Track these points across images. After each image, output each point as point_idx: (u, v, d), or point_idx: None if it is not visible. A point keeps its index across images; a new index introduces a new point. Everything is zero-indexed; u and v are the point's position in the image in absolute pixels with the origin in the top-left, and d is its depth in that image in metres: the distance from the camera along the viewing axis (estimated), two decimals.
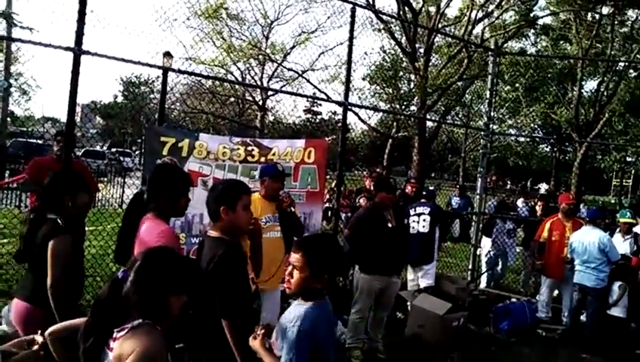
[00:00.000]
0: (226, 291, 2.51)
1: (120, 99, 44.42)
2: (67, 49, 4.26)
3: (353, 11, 6.19)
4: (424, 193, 7.05)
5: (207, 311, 2.51)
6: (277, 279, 4.12)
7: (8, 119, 16.81)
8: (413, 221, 6.29)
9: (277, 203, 4.34)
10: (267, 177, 4.36)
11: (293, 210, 4.38)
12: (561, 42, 20.91)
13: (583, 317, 6.35)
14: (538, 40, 21.90)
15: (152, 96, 33.07)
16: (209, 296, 2.50)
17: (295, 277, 2.24)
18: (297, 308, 2.26)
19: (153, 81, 33.99)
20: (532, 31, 20.44)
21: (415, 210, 6.39)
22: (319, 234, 2.27)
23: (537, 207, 8.48)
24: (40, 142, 18.58)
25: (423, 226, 6.25)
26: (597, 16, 17.93)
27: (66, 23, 4.36)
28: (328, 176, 7.39)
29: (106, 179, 15.10)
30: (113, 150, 30.87)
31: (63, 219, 2.95)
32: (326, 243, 2.36)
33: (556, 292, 7.20)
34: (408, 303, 6.47)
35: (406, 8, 15.82)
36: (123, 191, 13.10)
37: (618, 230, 6.98)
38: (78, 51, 4.28)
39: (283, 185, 4.52)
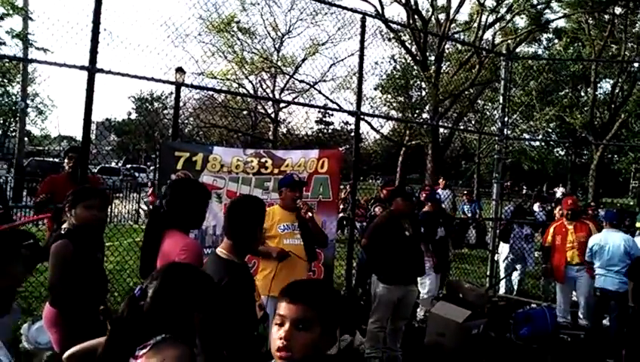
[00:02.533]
0: (218, 323, 2.30)
1: (134, 115, 44.95)
2: (82, 68, 4.32)
3: (363, 21, 6.21)
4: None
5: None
6: None
7: (26, 139, 17.08)
8: None
9: (296, 212, 4.37)
10: (285, 187, 4.40)
11: (311, 215, 4.40)
12: (575, 45, 20.77)
13: (605, 322, 6.24)
14: (551, 44, 21.78)
15: (165, 111, 33.39)
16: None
17: (300, 340, 1.58)
18: None
19: (166, 97, 34.34)
20: (544, 35, 20.35)
21: None
22: (311, 281, 1.73)
23: (556, 211, 8.37)
24: (57, 160, 18.86)
25: None
26: (609, 17, 17.79)
27: (80, 43, 4.43)
28: (341, 186, 7.39)
29: (121, 194, 15.23)
30: (128, 166, 31.14)
31: (65, 229, 3.14)
32: (328, 289, 1.84)
33: (574, 296, 7.11)
34: (418, 310, 6.44)
35: (416, 17, 15.87)
36: (139, 207, 13.19)
37: (638, 233, 6.86)
38: (92, 70, 4.35)
39: (301, 194, 4.54)
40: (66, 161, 5.16)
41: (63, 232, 3.18)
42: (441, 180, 10.92)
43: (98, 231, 3.47)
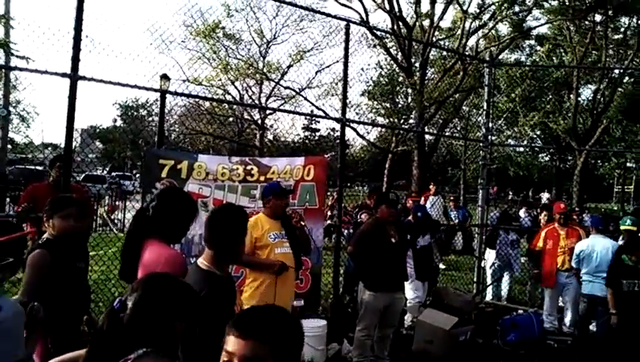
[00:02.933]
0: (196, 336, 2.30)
1: (119, 123, 44.60)
2: (63, 75, 4.27)
3: (347, 28, 6.23)
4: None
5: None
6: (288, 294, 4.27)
7: (9, 146, 16.86)
8: None
9: (281, 220, 4.34)
10: (272, 196, 4.33)
11: (304, 224, 4.41)
12: (557, 51, 21.04)
13: (592, 327, 6.27)
14: (533, 51, 22.06)
15: (150, 119, 33.19)
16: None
17: None
18: None
19: (151, 104, 34.14)
20: (527, 42, 20.60)
21: None
22: (265, 308, 1.52)
23: (541, 217, 8.43)
24: (40, 168, 18.61)
25: None
26: (590, 24, 18.07)
27: (62, 50, 4.38)
28: (328, 193, 7.36)
29: (106, 202, 15.08)
30: (113, 174, 30.85)
31: (44, 239, 3.13)
32: (284, 319, 1.54)
33: (561, 301, 7.15)
34: (406, 317, 6.43)
35: (400, 23, 15.95)
36: (124, 215, 13.06)
37: (621, 237, 6.92)
38: (74, 77, 4.30)
39: (288, 202, 4.53)
40: (53, 171, 5.06)
41: (40, 242, 3.15)
42: (431, 186, 10.84)
43: (80, 240, 3.41)
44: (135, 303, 1.68)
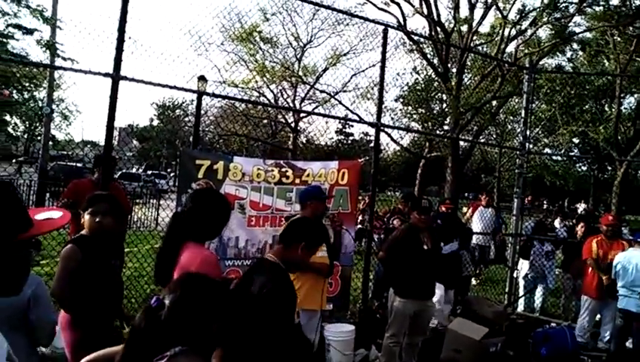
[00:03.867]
0: (264, 324, 2.44)
1: (156, 122, 45.53)
2: (106, 75, 4.39)
3: (385, 32, 6.22)
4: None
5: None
6: (323, 298, 4.31)
7: (50, 143, 17.39)
8: None
9: None
10: (314, 200, 4.37)
11: (345, 228, 4.44)
12: (599, 57, 20.49)
13: (628, 344, 6.08)
14: (574, 56, 21.53)
15: (186, 119, 33.75)
16: (248, 319, 2.44)
17: None
18: None
19: (188, 105, 34.73)
20: (568, 47, 20.11)
21: None
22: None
23: (578, 228, 8.24)
24: (79, 165, 19.12)
25: None
26: (635, 30, 17.54)
27: (105, 50, 4.51)
28: (359, 197, 7.35)
29: (141, 201, 15.38)
30: (149, 172, 31.46)
31: (79, 235, 3.25)
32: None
33: (598, 316, 6.96)
34: (432, 324, 6.34)
35: (438, 28, 15.82)
36: (158, 213, 13.31)
37: None
38: (116, 77, 4.41)
39: (327, 206, 4.57)
40: (96, 171, 5.24)
41: (73, 238, 3.28)
42: (483, 197, 9.72)
43: (115, 237, 3.48)
44: (173, 302, 1.71)
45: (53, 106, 18.58)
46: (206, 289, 1.79)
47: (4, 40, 10.95)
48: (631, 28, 17.41)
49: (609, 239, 6.58)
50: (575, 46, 20.26)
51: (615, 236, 6.65)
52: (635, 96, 20.69)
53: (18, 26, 10.15)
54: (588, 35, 18.84)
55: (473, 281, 8.51)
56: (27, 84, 17.33)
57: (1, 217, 1.35)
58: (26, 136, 35.96)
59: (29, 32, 9.86)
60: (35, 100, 20.88)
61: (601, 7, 16.25)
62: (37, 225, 1.47)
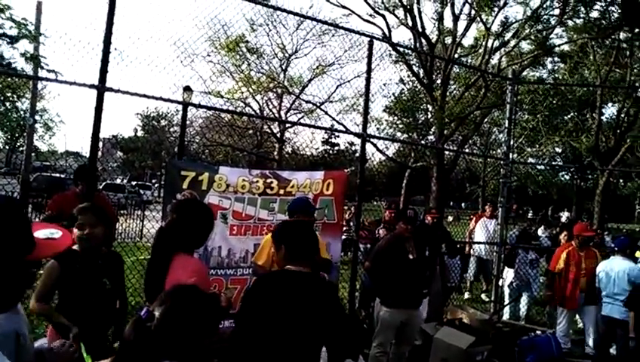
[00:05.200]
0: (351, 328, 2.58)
1: (140, 133, 45.23)
2: (91, 86, 4.37)
3: (370, 44, 6.27)
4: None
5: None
6: None
7: (33, 154, 17.19)
8: None
9: None
10: (300, 213, 4.40)
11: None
12: (580, 68, 20.84)
13: (612, 350, 6.16)
14: (555, 68, 21.88)
15: (171, 129, 33.63)
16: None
17: None
18: None
19: (173, 115, 34.58)
20: (549, 59, 20.44)
21: None
22: None
23: (561, 237, 8.33)
24: (62, 176, 18.91)
25: None
26: (614, 42, 17.89)
27: (91, 61, 4.49)
28: (345, 208, 7.35)
29: (125, 211, 15.24)
30: (133, 183, 31.23)
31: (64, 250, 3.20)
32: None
33: (580, 324, 7.04)
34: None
35: (422, 40, 16.00)
36: (143, 224, 13.19)
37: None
38: (101, 88, 4.40)
39: (314, 220, 4.58)
40: (79, 185, 5.19)
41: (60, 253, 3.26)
42: (487, 207, 9.37)
43: (103, 248, 3.44)
44: (163, 314, 1.70)
45: (37, 117, 18.40)
46: (196, 301, 1.78)
47: None
48: (610, 39, 17.76)
49: (581, 247, 6.67)
50: (556, 59, 20.61)
51: (586, 244, 6.73)
52: (616, 106, 21.03)
53: (2, 35, 10.07)
54: (568, 47, 19.17)
55: (467, 295, 8.43)
56: (10, 95, 17.16)
57: (10, 238, 1.34)
58: (7, 147, 35.56)
59: (12, 40, 9.78)
60: (17, 111, 20.68)
61: (582, 20, 16.57)
62: (39, 246, 1.45)
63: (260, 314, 2.59)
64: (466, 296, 8.25)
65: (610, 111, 22.49)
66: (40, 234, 1.50)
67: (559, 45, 18.33)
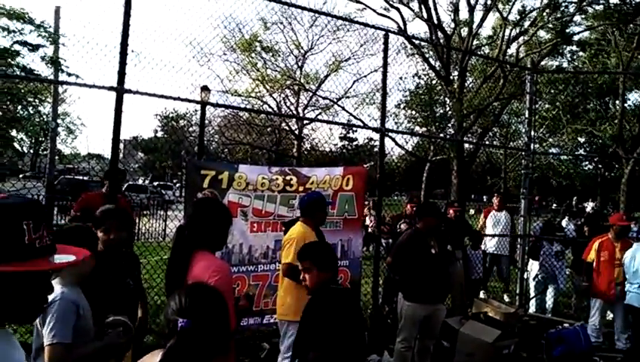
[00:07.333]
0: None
1: (160, 133, 45.67)
2: (110, 89, 4.42)
3: (386, 38, 6.23)
4: None
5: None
6: None
7: (56, 157, 17.47)
8: None
9: (316, 231, 4.41)
10: (320, 211, 4.46)
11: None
12: (601, 56, 20.42)
13: None
14: (575, 57, 21.48)
15: (190, 129, 33.88)
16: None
17: None
18: None
19: (192, 115, 34.84)
20: (568, 48, 20.07)
21: None
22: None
23: (586, 228, 8.19)
24: (85, 178, 19.20)
25: None
26: (636, 27, 17.50)
27: (109, 64, 4.54)
28: (366, 202, 7.31)
29: (148, 212, 15.41)
30: (155, 183, 31.56)
31: None
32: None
33: (610, 316, 6.89)
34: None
35: (438, 32, 15.85)
36: (165, 224, 13.33)
37: None
38: (120, 90, 4.44)
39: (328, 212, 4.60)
40: (106, 184, 5.27)
41: None
42: (495, 199, 9.08)
43: (124, 249, 3.47)
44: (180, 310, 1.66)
45: (58, 121, 18.69)
46: (214, 302, 1.76)
47: (10, 58, 11.08)
48: (632, 25, 17.38)
49: (617, 237, 6.53)
50: (575, 47, 20.22)
51: (623, 235, 6.59)
52: (639, 92, 20.61)
53: (24, 43, 10.28)
54: (588, 34, 18.81)
55: (482, 295, 8.29)
56: (32, 100, 17.46)
57: None
58: (32, 151, 36.22)
59: (34, 48, 9.98)
60: (39, 115, 21.02)
61: (601, 6, 16.23)
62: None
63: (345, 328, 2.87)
64: (481, 294, 8.10)
65: (634, 97, 22.05)
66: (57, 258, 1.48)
67: (578, 33, 18.01)
